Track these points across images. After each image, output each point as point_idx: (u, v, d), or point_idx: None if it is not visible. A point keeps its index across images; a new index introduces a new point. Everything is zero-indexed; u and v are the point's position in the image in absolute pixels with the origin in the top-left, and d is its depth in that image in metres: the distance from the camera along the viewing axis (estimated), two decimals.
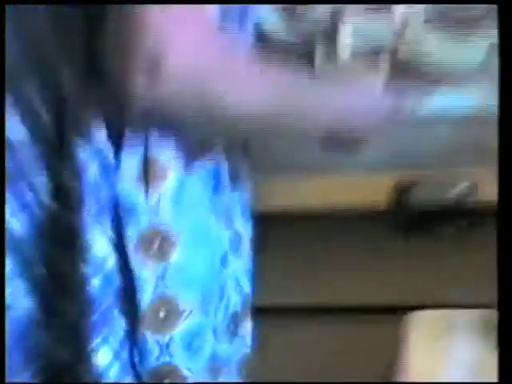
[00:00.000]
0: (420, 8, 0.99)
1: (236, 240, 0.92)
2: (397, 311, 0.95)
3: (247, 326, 0.95)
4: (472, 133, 1.04)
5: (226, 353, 0.91)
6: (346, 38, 0.92)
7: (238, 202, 0.92)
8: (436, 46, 0.93)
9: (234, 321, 0.93)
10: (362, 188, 1.14)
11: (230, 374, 0.91)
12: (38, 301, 0.79)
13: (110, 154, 0.77)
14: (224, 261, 0.90)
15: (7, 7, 0.81)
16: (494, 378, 0.74)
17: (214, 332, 0.88)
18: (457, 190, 1.13)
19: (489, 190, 1.06)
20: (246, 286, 0.94)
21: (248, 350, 0.94)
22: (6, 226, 0.79)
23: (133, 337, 0.81)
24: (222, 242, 0.89)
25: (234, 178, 0.91)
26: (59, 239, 0.79)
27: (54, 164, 0.78)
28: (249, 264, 0.94)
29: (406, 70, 0.89)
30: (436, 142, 0.98)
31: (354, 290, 1.29)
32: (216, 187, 0.87)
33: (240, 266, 0.92)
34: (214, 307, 0.87)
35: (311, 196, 1.13)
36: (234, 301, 0.92)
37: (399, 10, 0.95)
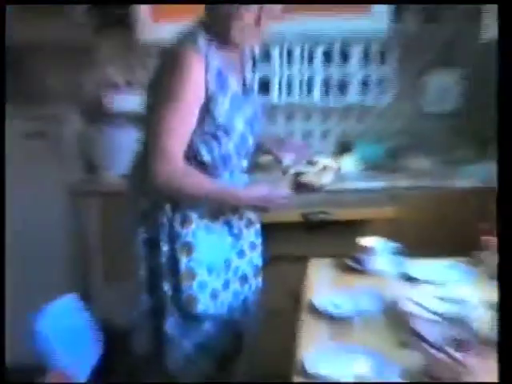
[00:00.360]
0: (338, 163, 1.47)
1: (252, 245, 1.54)
2: (308, 258, 1.57)
3: (259, 278, 1.56)
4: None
5: (239, 290, 1.50)
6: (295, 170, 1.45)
7: (252, 233, 1.54)
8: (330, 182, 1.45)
9: (244, 278, 1.51)
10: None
11: (226, 299, 1.46)
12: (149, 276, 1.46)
13: (169, 212, 1.42)
14: (241, 253, 1.50)
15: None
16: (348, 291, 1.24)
17: (226, 282, 1.46)
18: (326, 215, 2.04)
19: (340, 215, 2.06)
20: (258, 262, 1.56)
21: (260, 285, 1.57)
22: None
23: (178, 284, 1.42)
24: (236, 246, 1.48)
25: (245, 223, 1.51)
26: (156, 254, 1.44)
27: (153, 227, 1.44)
28: (261, 253, 1.56)
29: (304, 185, 1.45)
30: (320, 196, 1.65)
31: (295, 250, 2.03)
32: (230, 228, 1.48)
33: (255, 254, 1.55)
34: (221, 273, 1.44)
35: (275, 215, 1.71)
36: (243, 269, 1.51)
37: (322, 163, 1.43)
